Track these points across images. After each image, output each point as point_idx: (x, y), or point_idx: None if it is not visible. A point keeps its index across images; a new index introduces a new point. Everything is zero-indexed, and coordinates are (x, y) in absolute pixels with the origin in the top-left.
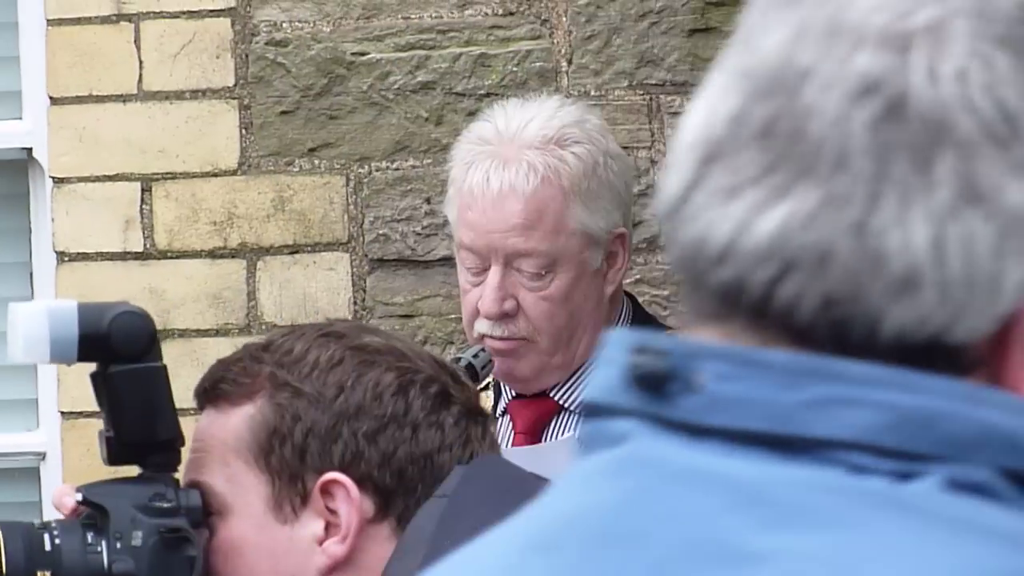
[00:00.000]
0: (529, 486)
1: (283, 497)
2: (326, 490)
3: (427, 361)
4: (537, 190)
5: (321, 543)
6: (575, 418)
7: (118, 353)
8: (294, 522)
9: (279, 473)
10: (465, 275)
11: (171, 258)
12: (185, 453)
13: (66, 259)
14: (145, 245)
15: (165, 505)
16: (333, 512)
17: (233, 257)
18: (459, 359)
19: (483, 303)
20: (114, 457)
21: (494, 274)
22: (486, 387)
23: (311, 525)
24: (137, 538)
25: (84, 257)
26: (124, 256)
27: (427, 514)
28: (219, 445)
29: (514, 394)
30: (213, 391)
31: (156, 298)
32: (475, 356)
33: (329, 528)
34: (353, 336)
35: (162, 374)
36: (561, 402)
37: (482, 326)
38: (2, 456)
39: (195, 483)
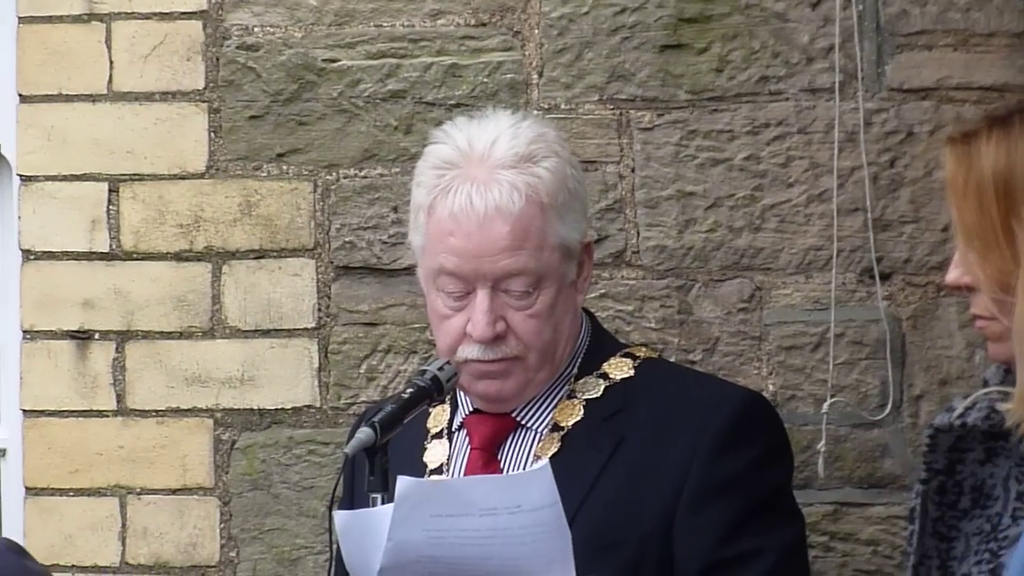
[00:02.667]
0: None
1: None
2: None
3: None
4: (522, 209)
5: None
6: (532, 435)
7: None
8: None
9: None
10: (444, 300)
11: (137, 259)
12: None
13: (32, 257)
14: (111, 246)
15: None
16: None
17: (199, 260)
18: (424, 371)
19: (475, 328)
20: None
21: (483, 298)
22: (443, 400)
23: None
24: None
25: (50, 256)
26: (90, 256)
27: None
28: None
29: (472, 408)
30: None
31: (121, 299)
32: (440, 369)
33: None
34: None
35: None
36: (519, 419)
37: (471, 351)
38: None
39: None
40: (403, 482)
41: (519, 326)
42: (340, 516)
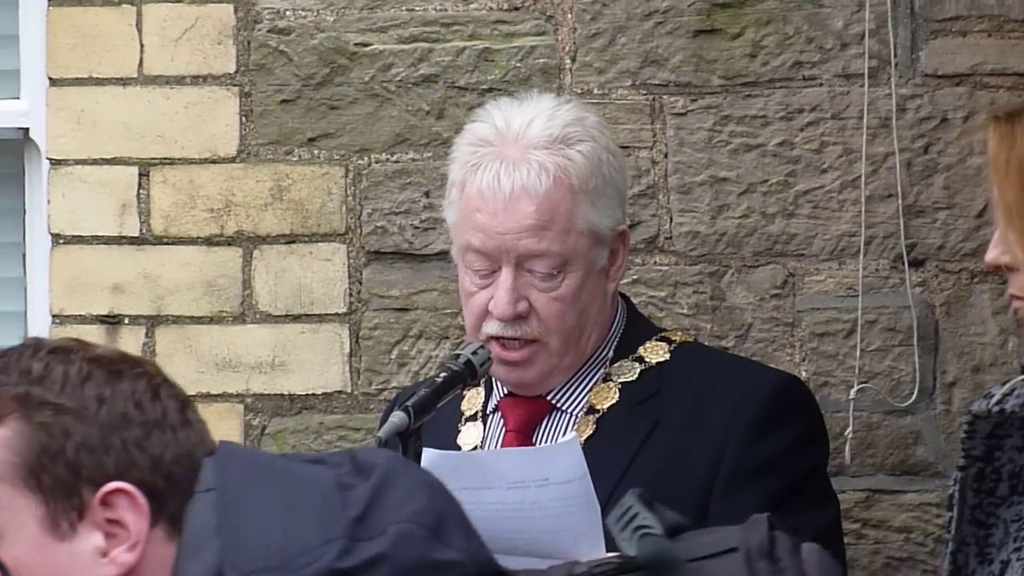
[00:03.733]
0: (284, 468)
1: (59, 514)
2: (106, 501)
3: (150, 364)
4: (549, 190)
5: (105, 554)
6: (567, 418)
7: None
8: (72, 537)
9: (52, 491)
10: (471, 277)
11: (167, 244)
12: None
13: (61, 241)
14: (141, 230)
15: None
16: (112, 522)
17: (229, 245)
18: (458, 355)
19: (496, 305)
20: None
21: (506, 276)
22: (477, 383)
23: (90, 538)
24: None
25: (79, 240)
26: (119, 240)
27: (200, 511)
28: None
29: (506, 392)
30: None
31: (150, 283)
32: (474, 353)
33: (108, 538)
34: (80, 348)
35: None
36: (554, 402)
37: (492, 327)
38: None
39: None
40: (428, 454)
41: (542, 308)
42: None
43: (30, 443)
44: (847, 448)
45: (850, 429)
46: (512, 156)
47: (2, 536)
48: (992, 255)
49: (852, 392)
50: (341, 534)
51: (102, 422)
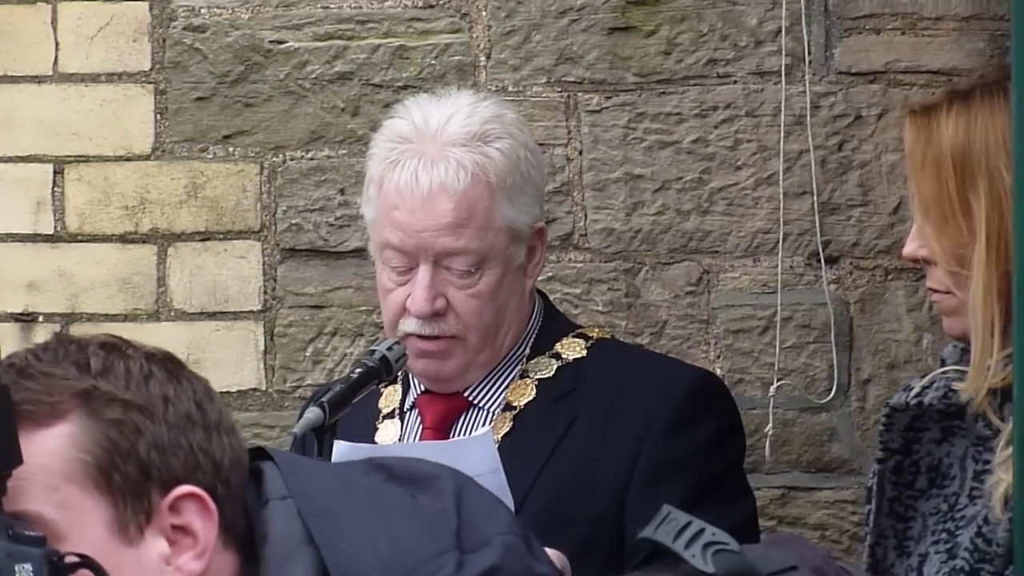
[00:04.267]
0: (348, 475)
1: (128, 517)
2: (174, 506)
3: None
4: (468, 188)
5: (168, 562)
6: (484, 415)
7: None
8: (139, 543)
9: (123, 492)
10: (389, 274)
11: (82, 241)
12: None
13: None
14: (56, 228)
15: (34, 533)
16: (176, 528)
17: (144, 242)
18: (373, 351)
19: (414, 303)
20: None
21: (424, 273)
22: (394, 380)
23: (156, 544)
24: (25, 571)
25: None
26: (34, 238)
27: (282, 518)
28: (40, 471)
29: (423, 389)
30: None
31: (65, 281)
32: (389, 349)
33: (170, 545)
34: (128, 344)
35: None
36: (471, 399)
37: (410, 325)
38: None
39: (15, 514)
40: (340, 446)
41: (460, 305)
42: None
43: (99, 440)
44: (767, 445)
45: (770, 426)
46: (430, 153)
47: (66, 539)
48: (910, 248)
49: (772, 389)
50: (451, 545)
51: (170, 422)
